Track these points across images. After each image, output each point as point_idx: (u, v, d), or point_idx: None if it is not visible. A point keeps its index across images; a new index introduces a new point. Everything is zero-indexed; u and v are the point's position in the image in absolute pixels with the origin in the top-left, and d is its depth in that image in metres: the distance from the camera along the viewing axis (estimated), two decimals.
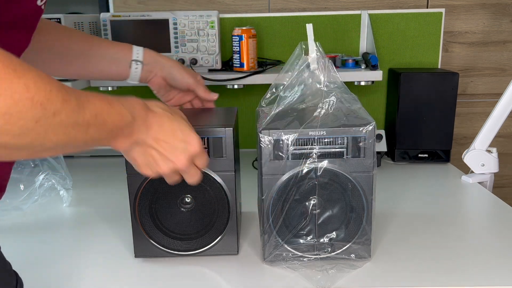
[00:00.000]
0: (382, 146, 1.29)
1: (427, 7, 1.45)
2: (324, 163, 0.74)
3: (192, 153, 0.62)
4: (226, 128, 0.76)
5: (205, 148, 0.75)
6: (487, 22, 1.46)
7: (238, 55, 1.27)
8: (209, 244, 0.80)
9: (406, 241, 0.86)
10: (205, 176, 0.76)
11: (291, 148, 0.74)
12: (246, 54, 1.26)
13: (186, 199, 0.78)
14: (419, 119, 1.30)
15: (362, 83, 1.31)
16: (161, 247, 0.79)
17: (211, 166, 0.76)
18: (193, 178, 0.66)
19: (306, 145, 0.74)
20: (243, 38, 1.25)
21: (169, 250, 0.79)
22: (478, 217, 0.99)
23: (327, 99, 0.76)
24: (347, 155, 0.74)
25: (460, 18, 1.46)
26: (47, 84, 0.41)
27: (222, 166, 0.77)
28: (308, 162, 0.74)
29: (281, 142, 0.74)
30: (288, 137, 0.73)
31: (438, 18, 1.40)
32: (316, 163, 0.74)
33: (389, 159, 1.37)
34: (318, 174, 0.74)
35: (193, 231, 0.79)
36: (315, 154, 0.74)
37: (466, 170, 1.21)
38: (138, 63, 0.88)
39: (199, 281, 0.75)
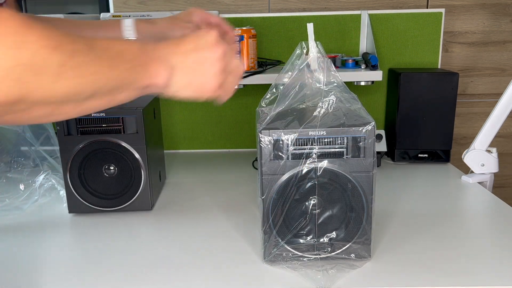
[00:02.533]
0: (382, 146, 1.29)
1: (427, 7, 1.45)
2: (324, 163, 0.74)
3: (214, 35, 0.58)
4: (136, 109, 0.97)
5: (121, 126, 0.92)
6: (487, 22, 1.46)
7: (238, 55, 1.27)
8: (128, 202, 1.00)
9: (406, 241, 0.86)
10: (125, 150, 0.98)
11: (291, 148, 0.74)
12: (246, 54, 1.26)
13: (110, 167, 0.98)
14: (419, 119, 1.30)
15: (362, 83, 1.31)
16: (89, 204, 1.00)
17: (130, 142, 0.97)
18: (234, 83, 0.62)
19: (306, 145, 0.74)
20: (243, 38, 1.25)
21: (95, 207, 1.00)
22: (478, 217, 0.99)
23: (326, 98, 0.76)
24: (347, 155, 0.74)
25: (460, 18, 1.46)
26: (54, 31, 0.42)
27: (136, 141, 0.97)
28: (308, 162, 0.74)
29: (281, 142, 0.74)
30: (288, 137, 0.73)
31: (438, 18, 1.40)
32: (316, 163, 0.74)
33: (389, 159, 1.37)
34: (318, 174, 0.74)
35: (115, 192, 1.00)
36: (315, 154, 0.74)
37: (466, 170, 1.21)
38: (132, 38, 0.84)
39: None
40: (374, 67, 1.28)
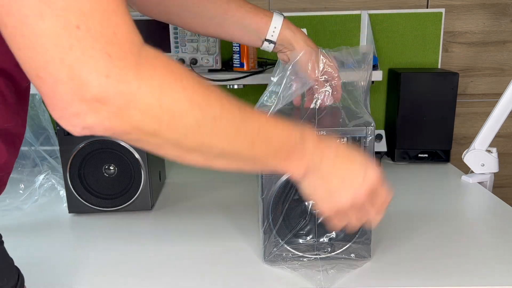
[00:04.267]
0: (382, 146, 1.29)
1: (427, 7, 1.45)
2: None
3: (372, 181, 0.57)
4: None
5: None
6: (487, 22, 1.46)
7: (238, 55, 1.27)
8: (128, 202, 1.00)
9: (406, 241, 0.86)
10: (125, 150, 0.97)
11: None
12: (246, 54, 1.26)
13: (110, 167, 0.98)
14: (419, 119, 1.30)
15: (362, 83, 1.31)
16: (88, 204, 0.99)
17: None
18: (375, 217, 0.61)
19: None
20: None
21: (95, 207, 1.00)
22: (478, 217, 0.99)
23: (322, 90, 0.76)
24: None
25: (460, 18, 1.46)
26: (204, 89, 0.45)
27: None
28: None
29: None
30: None
31: (438, 18, 1.40)
32: None
33: (389, 159, 1.37)
34: None
35: (115, 192, 1.00)
36: None
37: (466, 170, 1.21)
38: (272, 42, 0.81)
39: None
40: (374, 67, 1.28)
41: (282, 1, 1.45)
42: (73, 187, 0.98)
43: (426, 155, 1.32)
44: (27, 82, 0.54)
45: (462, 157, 1.18)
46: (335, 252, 0.77)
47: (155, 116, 0.42)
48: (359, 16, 1.40)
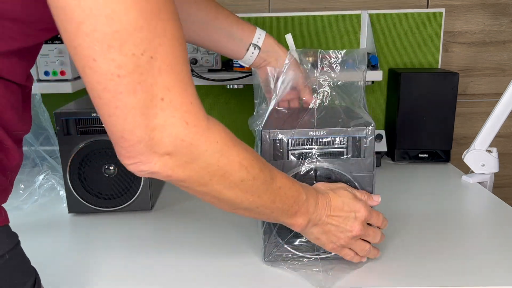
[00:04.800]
0: (382, 146, 1.29)
1: (427, 7, 1.45)
2: (324, 163, 0.74)
3: (362, 218, 0.70)
4: None
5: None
6: (487, 22, 1.46)
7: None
8: (128, 202, 1.00)
9: (406, 241, 0.86)
10: None
11: (290, 147, 0.74)
12: None
13: (110, 167, 0.98)
14: (419, 119, 1.30)
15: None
16: (88, 204, 0.99)
17: None
18: (375, 238, 0.73)
19: (306, 145, 0.74)
20: None
21: (95, 207, 0.99)
22: (478, 217, 0.99)
23: (321, 89, 0.77)
24: (346, 155, 0.74)
25: (460, 18, 1.46)
26: (251, 155, 0.55)
27: None
28: (307, 162, 0.74)
29: (281, 142, 0.74)
30: (288, 137, 0.73)
31: (438, 18, 1.40)
32: (315, 163, 0.74)
33: (389, 159, 1.37)
34: (318, 173, 0.74)
35: (115, 192, 0.99)
36: (315, 154, 0.74)
37: (466, 170, 1.21)
38: (256, 48, 0.85)
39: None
40: (374, 67, 1.28)
41: (282, 1, 1.45)
42: (73, 187, 0.98)
43: (426, 155, 1.32)
44: (31, 84, 0.57)
45: (462, 157, 1.18)
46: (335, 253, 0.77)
47: (211, 172, 0.51)
48: (359, 16, 1.40)
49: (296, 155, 0.74)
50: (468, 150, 1.17)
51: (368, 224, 0.72)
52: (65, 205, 1.01)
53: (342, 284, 0.72)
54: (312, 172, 0.74)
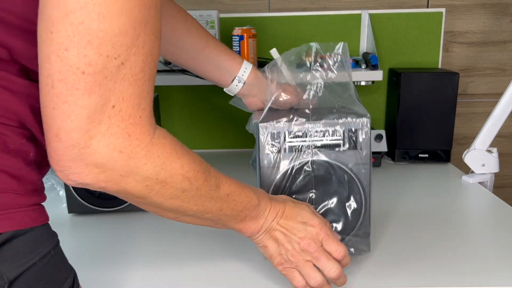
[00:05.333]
0: (382, 146, 1.29)
1: (427, 7, 1.45)
2: (321, 155, 0.74)
3: (314, 233, 0.65)
4: None
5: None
6: (487, 22, 1.46)
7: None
8: (128, 202, 0.95)
9: (406, 241, 0.86)
10: None
11: (288, 140, 0.74)
12: (246, 54, 1.26)
13: None
14: (419, 119, 1.29)
15: (362, 83, 1.31)
16: (88, 205, 0.99)
17: None
18: (330, 269, 0.65)
19: (303, 137, 0.74)
20: (243, 38, 1.24)
21: (95, 207, 0.99)
22: (478, 217, 0.99)
23: (315, 81, 0.78)
24: (343, 147, 0.75)
25: (460, 18, 1.46)
26: (197, 166, 0.53)
27: None
28: (304, 154, 0.74)
29: (277, 135, 0.74)
30: (285, 130, 0.74)
31: (438, 18, 1.40)
32: (312, 155, 0.74)
33: (389, 159, 1.37)
34: (315, 166, 0.74)
35: None
36: (312, 146, 0.74)
37: (467, 170, 1.21)
38: (241, 81, 0.87)
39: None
40: (374, 67, 1.28)
41: (282, 1, 1.44)
42: (72, 187, 0.98)
43: (426, 155, 1.32)
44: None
45: (463, 157, 1.18)
46: None
47: (149, 185, 0.49)
48: (359, 16, 1.40)
49: (294, 147, 0.74)
50: (468, 150, 1.17)
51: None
52: (65, 205, 1.01)
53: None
54: (309, 164, 0.74)
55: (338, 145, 0.74)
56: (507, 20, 1.46)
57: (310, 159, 0.74)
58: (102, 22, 0.40)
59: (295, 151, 0.74)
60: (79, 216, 1.01)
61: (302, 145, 0.74)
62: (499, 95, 1.16)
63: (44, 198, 0.52)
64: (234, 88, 0.88)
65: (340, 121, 0.74)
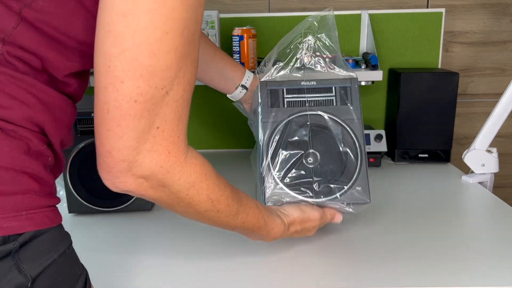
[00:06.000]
0: (382, 146, 1.29)
1: (427, 7, 1.45)
2: (316, 110, 0.82)
3: (317, 224, 0.81)
4: None
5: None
6: (487, 22, 1.46)
7: (238, 55, 1.27)
8: (128, 202, 1.00)
9: (405, 241, 0.86)
10: None
11: (286, 96, 0.84)
12: (246, 54, 1.26)
13: None
14: (419, 119, 1.30)
15: (362, 83, 1.31)
16: (88, 204, 0.99)
17: None
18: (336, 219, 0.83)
19: (299, 94, 0.84)
20: (243, 38, 1.25)
21: (95, 207, 1.00)
22: (478, 217, 0.99)
23: (305, 39, 0.87)
24: (335, 103, 0.83)
25: (460, 18, 1.46)
26: (222, 190, 0.62)
27: None
28: (301, 109, 0.83)
29: (276, 91, 0.84)
30: (283, 87, 0.84)
31: (438, 18, 1.40)
32: (308, 109, 0.82)
33: (389, 159, 1.37)
34: (311, 118, 0.82)
35: (114, 192, 0.94)
36: (308, 101, 0.83)
37: (466, 170, 1.21)
38: (244, 88, 0.97)
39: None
40: (374, 67, 1.28)
41: (282, 1, 1.45)
42: (73, 187, 0.98)
43: (426, 155, 1.32)
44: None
45: (462, 157, 1.18)
46: (333, 196, 0.80)
47: (178, 198, 0.57)
48: (359, 16, 1.40)
49: (291, 103, 0.83)
50: (468, 150, 1.17)
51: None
52: (65, 205, 1.01)
53: (342, 284, 0.72)
54: (306, 118, 0.82)
55: (331, 101, 0.83)
56: (507, 20, 1.46)
57: (306, 112, 0.82)
58: (152, 59, 0.46)
59: (292, 105, 0.83)
60: (80, 216, 1.01)
61: (299, 101, 0.83)
62: (499, 95, 1.16)
63: (58, 200, 0.55)
64: (237, 94, 0.98)
65: (332, 79, 0.83)
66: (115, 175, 0.51)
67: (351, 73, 0.85)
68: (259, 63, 1.33)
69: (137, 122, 0.48)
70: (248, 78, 0.97)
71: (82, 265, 0.58)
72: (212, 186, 0.59)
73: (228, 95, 0.99)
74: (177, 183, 0.55)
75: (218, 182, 0.61)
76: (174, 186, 0.55)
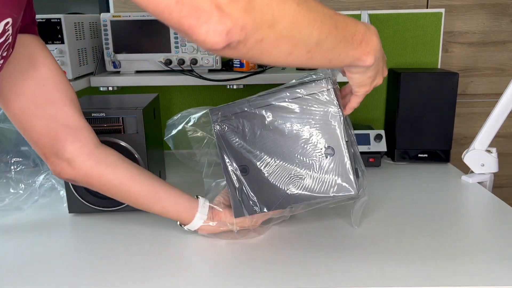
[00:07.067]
0: (382, 146, 1.29)
1: (427, 7, 1.45)
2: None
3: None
4: (136, 109, 0.98)
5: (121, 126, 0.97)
6: (487, 22, 1.46)
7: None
8: None
9: (405, 241, 0.86)
10: (125, 150, 0.97)
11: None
12: None
13: None
14: (419, 119, 1.30)
15: None
16: (89, 204, 0.99)
17: (130, 142, 0.98)
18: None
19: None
20: None
21: (95, 207, 0.99)
22: (478, 217, 0.99)
23: None
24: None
25: (460, 18, 1.46)
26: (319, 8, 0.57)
27: (136, 141, 0.98)
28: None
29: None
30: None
31: (438, 18, 1.40)
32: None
33: (389, 159, 1.37)
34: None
35: None
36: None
37: (466, 170, 1.21)
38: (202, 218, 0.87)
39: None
40: None
41: None
42: (73, 187, 0.98)
43: (426, 155, 1.32)
44: None
45: (462, 157, 1.18)
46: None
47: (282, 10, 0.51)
48: (359, 16, 1.40)
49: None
50: (468, 150, 1.17)
51: None
52: (65, 205, 1.01)
53: (342, 284, 0.73)
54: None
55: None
56: (507, 20, 1.46)
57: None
58: None
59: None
60: (80, 215, 1.01)
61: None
62: (498, 95, 1.16)
63: None
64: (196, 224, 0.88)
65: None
66: (207, 20, 0.47)
67: (326, 73, 0.80)
68: (258, 65, 1.34)
69: None
70: (203, 205, 0.88)
71: None
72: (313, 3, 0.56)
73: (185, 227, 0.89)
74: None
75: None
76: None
